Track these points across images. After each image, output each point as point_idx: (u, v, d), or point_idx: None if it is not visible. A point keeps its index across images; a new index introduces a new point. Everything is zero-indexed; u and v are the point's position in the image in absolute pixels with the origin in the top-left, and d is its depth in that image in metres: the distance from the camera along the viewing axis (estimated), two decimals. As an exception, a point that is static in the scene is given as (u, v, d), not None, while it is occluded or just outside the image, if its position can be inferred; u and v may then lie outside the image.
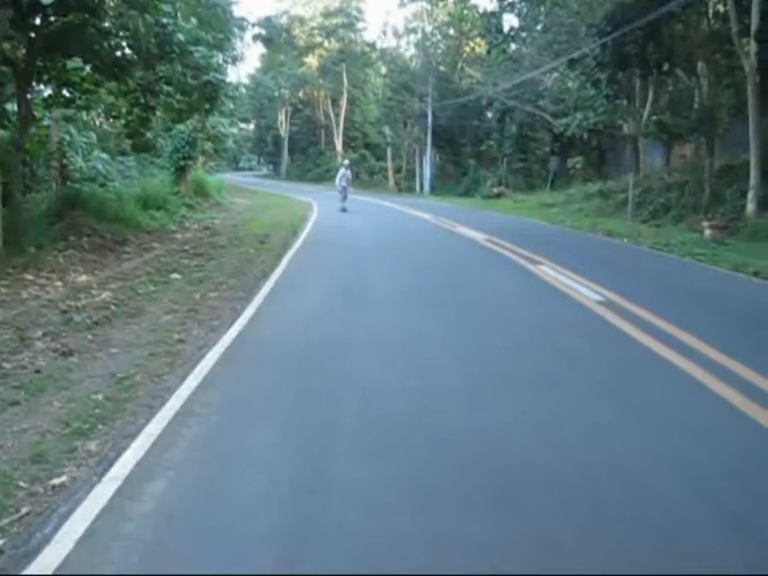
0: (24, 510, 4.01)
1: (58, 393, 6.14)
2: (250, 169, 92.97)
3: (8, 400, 5.94)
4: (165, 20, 16.28)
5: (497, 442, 5.04)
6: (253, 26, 20.02)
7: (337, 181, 30.45)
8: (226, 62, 20.61)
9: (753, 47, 20.34)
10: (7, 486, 4.31)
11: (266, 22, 20.66)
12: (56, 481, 4.35)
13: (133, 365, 6.91)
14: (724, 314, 10.03)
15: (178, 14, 16.56)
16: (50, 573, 3.39)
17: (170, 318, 9.10)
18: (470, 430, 5.28)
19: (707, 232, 19.15)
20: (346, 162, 33.24)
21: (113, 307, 9.75)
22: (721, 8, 24.93)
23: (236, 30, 24.03)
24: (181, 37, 16.89)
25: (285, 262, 14.09)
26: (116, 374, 6.62)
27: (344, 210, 28.68)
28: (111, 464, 4.55)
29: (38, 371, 6.80)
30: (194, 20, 16.64)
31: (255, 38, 20.67)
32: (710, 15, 25.26)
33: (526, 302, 10.49)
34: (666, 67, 26.28)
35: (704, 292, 11.95)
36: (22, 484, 4.33)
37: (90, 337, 8.16)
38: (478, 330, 8.69)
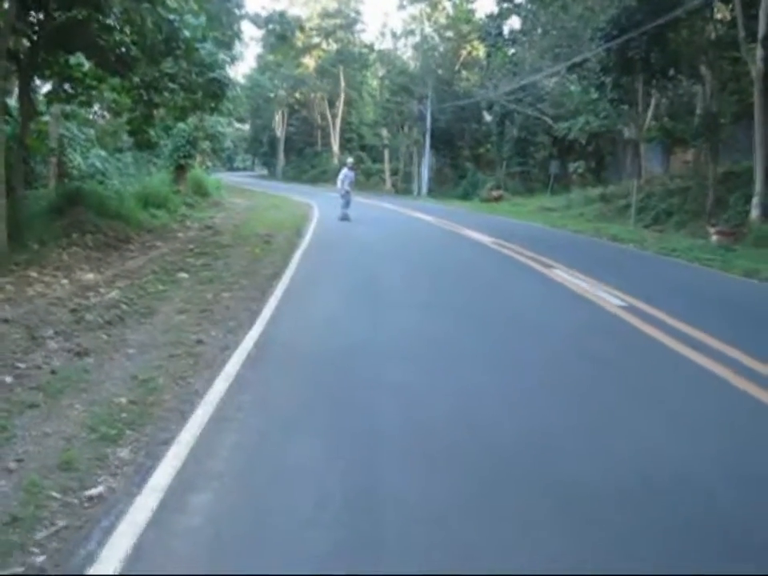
0: (61, 524, 3.72)
1: (78, 395, 5.86)
2: (245, 169, 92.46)
3: (26, 402, 5.66)
4: (171, 16, 15.99)
5: (547, 449, 4.81)
6: (267, 22, 19.63)
7: (339, 183, 24.96)
8: (226, 61, 20.26)
9: (760, 53, 20.16)
10: (37, 495, 4.03)
11: (280, 18, 20.19)
12: (93, 491, 4.07)
13: (153, 366, 6.63)
14: (747, 318, 9.90)
15: (185, 9, 16.22)
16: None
17: (184, 318, 8.81)
18: (518, 435, 5.09)
19: (714, 238, 19.01)
20: (349, 160, 27.76)
21: (123, 306, 9.46)
22: (727, 14, 24.82)
23: (247, 25, 23.61)
24: (187, 33, 16.60)
25: (294, 261, 13.79)
26: (137, 375, 6.34)
27: (345, 218, 23.81)
28: (149, 473, 4.27)
29: (53, 372, 6.51)
30: (202, 17, 16.37)
31: (270, 33, 20.30)
32: (716, 21, 25.15)
33: (550, 308, 10.24)
34: (671, 72, 26.16)
35: (723, 297, 11.80)
36: (53, 494, 4.05)
37: (103, 336, 7.87)
38: (506, 335, 8.46)
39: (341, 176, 24.92)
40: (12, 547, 3.49)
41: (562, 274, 12.71)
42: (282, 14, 20.26)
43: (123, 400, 5.69)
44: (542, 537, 3.67)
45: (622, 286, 11.27)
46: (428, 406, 5.64)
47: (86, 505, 3.94)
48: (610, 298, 10.42)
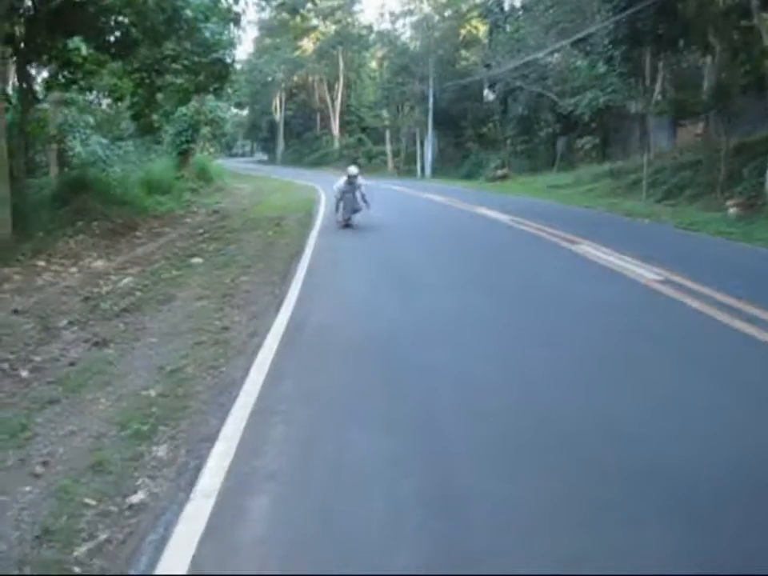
0: (102, 537, 3.27)
1: (101, 388, 5.43)
2: (244, 155, 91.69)
3: (46, 398, 5.24)
4: (173, -6, 15.45)
5: (623, 439, 4.35)
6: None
7: (342, 185, 16.28)
8: (231, 40, 19.62)
9: (773, 21, 19.63)
10: (70, 503, 3.59)
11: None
12: (133, 498, 3.61)
13: (179, 356, 6.19)
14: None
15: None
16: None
17: (205, 304, 8.38)
18: (595, 422, 4.61)
19: (731, 210, 18.53)
20: (352, 169, 16.93)
21: (138, 293, 9.06)
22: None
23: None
24: (189, 13, 16.06)
25: (310, 243, 13.28)
26: (163, 366, 5.90)
27: (348, 224, 16.24)
28: (195, 476, 3.81)
29: (72, 364, 6.11)
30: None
31: (280, 5, 19.67)
32: (727, -11, 24.56)
33: (588, 283, 9.69)
34: (680, 44, 25.60)
35: (755, 268, 11.34)
36: (88, 501, 3.60)
37: (121, 325, 7.45)
38: (552, 312, 7.92)
39: (347, 180, 16.31)
40: (48, 566, 3.04)
41: (588, 249, 12.22)
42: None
43: (152, 393, 5.26)
44: (652, 540, 3.23)
45: (651, 260, 10.78)
46: (486, 391, 5.19)
47: (126, 514, 3.48)
48: (643, 272, 9.96)
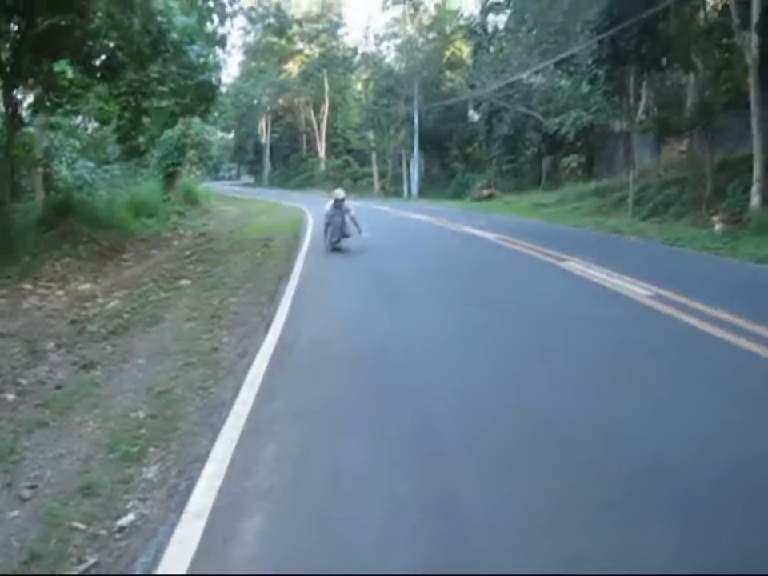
0: (91, 560, 3.20)
1: (89, 411, 5.37)
2: (230, 178, 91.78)
3: (33, 420, 5.17)
4: (158, 18, 15.51)
5: (625, 444, 4.32)
6: (263, 18, 19.11)
7: (329, 209, 15.44)
8: (216, 62, 19.65)
9: (755, 39, 19.80)
10: (58, 527, 3.52)
11: (277, 11, 19.51)
12: (123, 520, 3.55)
13: (168, 377, 6.13)
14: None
15: (175, 8, 15.75)
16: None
17: (193, 325, 8.32)
18: (585, 425, 4.63)
19: (718, 226, 18.63)
20: (340, 192, 16.18)
21: (126, 315, 9.00)
22: (718, 1, 24.51)
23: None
24: (175, 35, 16.11)
25: (298, 264, 13.23)
26: (152, 387, 5.84)
27: (336, 248, 15.37)
28: (185, 497, 3.74)
29: (59, 387, 6.04)
30: (192, 16, 15.89)
31: (266, 27, 19.72)
32: (707, 9, 24.83)
33: (579, 300, 9.66)
34: (663, 62, 25.84)
35: (745, 282, 11.35)
36: (76, 525, 3.53)
37: (109, 348, 7.38)
38: (542, 327, 7.88)
39: (335, 202, 15.52)
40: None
41: (577, 266, 12.22)
42: (278, 7, 19.54)
43: (141, 414, 5.20)
44: (652, 540, 3.20)
45: (638, 276, 10.75)
46: (483, 404, 5.15)
47: (117, 536, 3.42)
48: (631, 287, 9.95)
